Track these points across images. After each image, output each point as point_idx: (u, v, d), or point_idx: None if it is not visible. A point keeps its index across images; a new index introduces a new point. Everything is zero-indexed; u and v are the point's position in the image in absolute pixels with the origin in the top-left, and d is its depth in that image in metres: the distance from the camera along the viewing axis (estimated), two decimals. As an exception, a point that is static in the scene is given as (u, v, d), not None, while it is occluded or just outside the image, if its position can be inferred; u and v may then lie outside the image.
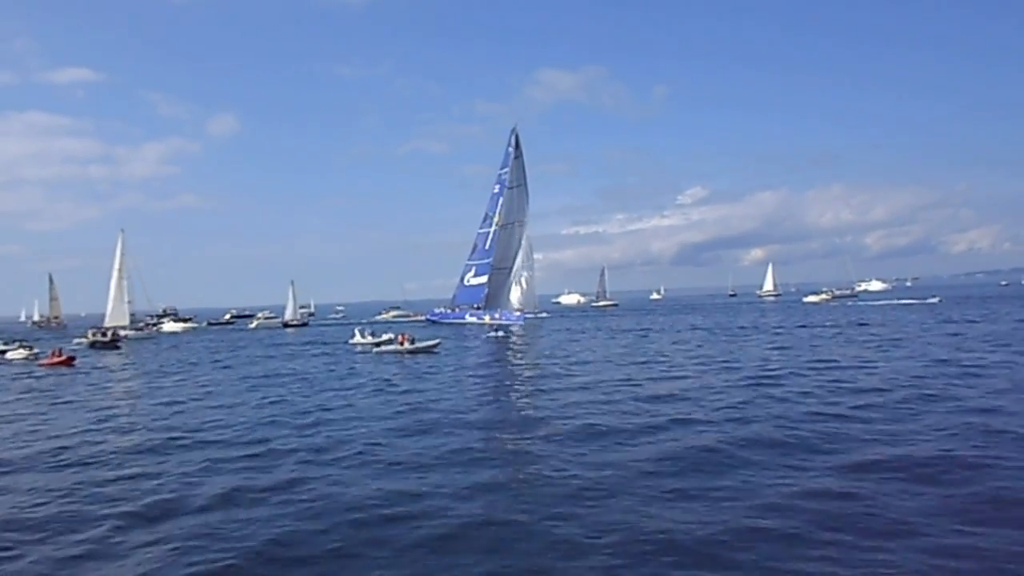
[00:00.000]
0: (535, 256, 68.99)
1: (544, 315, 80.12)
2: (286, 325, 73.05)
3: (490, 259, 69.98)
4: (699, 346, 34.93)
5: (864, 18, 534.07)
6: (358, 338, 42.32)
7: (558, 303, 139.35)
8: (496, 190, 71.89)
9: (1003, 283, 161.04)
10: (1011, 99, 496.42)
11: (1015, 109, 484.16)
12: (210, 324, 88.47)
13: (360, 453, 12.57)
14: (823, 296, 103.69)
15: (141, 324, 66.75)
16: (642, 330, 50.07)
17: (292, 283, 74.23)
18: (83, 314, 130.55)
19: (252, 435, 14.74)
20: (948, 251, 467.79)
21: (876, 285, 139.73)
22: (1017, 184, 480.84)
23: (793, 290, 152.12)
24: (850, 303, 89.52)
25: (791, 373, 22.22)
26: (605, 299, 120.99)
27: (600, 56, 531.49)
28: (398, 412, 17.09)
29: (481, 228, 73.13)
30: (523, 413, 16.73)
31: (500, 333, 48.26)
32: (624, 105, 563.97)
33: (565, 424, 14.66)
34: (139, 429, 16.16)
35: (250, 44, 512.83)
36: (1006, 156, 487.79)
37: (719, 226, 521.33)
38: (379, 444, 13.31)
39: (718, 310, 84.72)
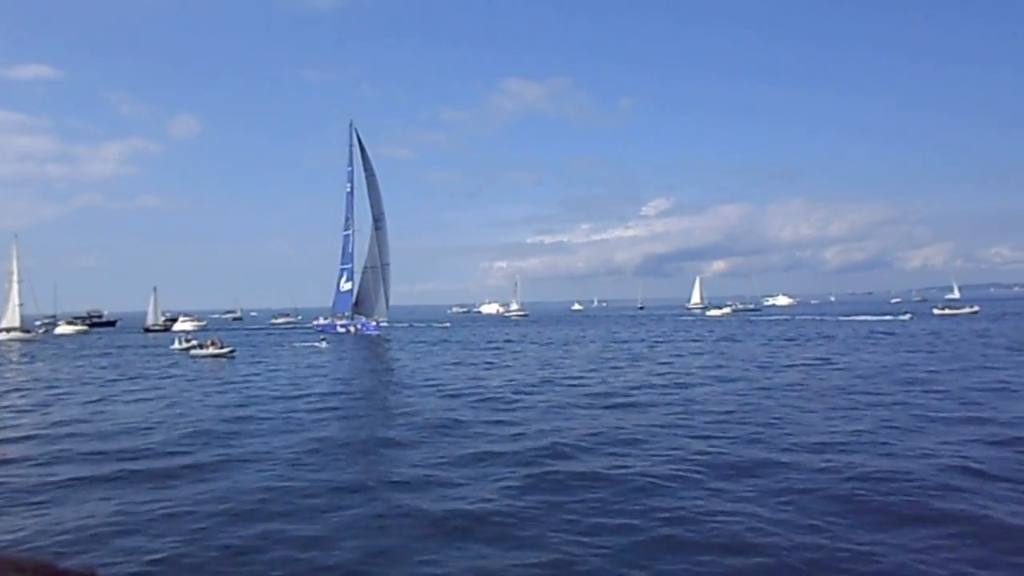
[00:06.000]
0: (499, 264, 70.78)
1: (447, 324, 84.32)
2: (147, 330, 76.40)
3: (352, 264, 69.16)
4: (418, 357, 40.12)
5: (828, 25, 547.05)
6: (176, 345, 47.61)
7: (479, 312, 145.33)
8: (348, 189, 70.38)
9: (895, 300, 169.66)
10: (969, 117, 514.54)
11: (972, 127, 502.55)
12: (146, 330, 77.46)
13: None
14: (725, 311, 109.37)
15: (29, 327, 71.21)
16: (446, 342, 55.66)
17: (155, 289, 77.59)
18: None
19: None
20: (903, 267, 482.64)
21: (783, 300, 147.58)
22: (971, 202, 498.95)
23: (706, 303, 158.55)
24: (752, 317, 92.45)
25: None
26: (516, 309, 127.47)
27: (566, 67, 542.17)
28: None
29: (345, 231, 70.72)
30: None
31: (325, 343, 52.92)
32: (590, 116, 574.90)
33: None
34: None
35: (215, 46, 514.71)
36: (961, 174, 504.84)
37: (683, 238, 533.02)
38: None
39: (599, 322, 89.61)
